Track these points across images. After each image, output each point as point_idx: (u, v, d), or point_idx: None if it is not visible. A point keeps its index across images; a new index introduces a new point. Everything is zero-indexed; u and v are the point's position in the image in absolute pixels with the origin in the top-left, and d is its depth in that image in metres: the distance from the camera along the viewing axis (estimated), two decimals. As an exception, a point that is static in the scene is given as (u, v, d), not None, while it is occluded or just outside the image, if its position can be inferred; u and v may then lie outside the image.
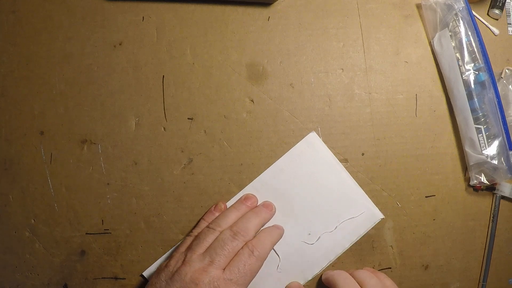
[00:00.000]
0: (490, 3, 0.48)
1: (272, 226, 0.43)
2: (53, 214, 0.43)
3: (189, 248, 0.39)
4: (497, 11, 0.48)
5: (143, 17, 0.46)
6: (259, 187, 0.44)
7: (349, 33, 0.47)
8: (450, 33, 0.45)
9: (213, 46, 0.46)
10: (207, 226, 0.40)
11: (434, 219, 0.45)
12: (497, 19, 0.48)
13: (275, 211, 0.43)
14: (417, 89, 0.46)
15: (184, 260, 0.37)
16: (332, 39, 0.47)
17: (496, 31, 0.48)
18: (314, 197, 0.44)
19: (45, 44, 0.45)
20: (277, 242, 0.42)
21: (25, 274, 0.43)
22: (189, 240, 0.41)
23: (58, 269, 0.43)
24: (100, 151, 0.44)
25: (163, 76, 0.45)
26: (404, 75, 0.47)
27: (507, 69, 0.46)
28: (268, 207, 0.43)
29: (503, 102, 0.44)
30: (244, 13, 0.46)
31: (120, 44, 0.45)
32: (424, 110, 0.46)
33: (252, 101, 0.45)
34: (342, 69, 0.46)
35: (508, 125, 0.44)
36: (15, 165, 0.44)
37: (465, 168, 0.46)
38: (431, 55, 0.47)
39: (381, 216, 0.44)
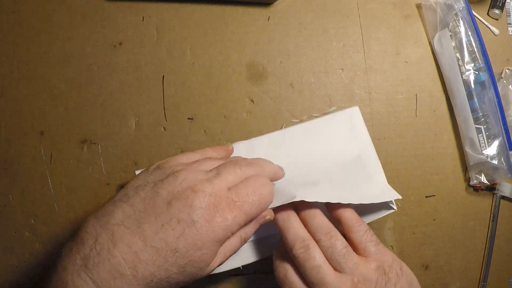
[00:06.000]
0: (490, 3, 0.48)
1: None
2: (53, 214, 0.43)
3: (193, 163, 0.32)
4: (497, 11, 0.48)
5: (143, 17, 0.46)
6: (276, 142, 0.40)
7: (349, 33, 0.47)
8: (450, 33, 0.45)
9: (213, 46, 0.46)
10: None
11: (434, 219, 0.45)
12: (497, 19, 0.48)
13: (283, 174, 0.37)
14: (417, 89, 0.46)
15: (185, 166, 0.31)
16: (332, 39, 0.47)
17: (496, 31, 0.48)
18: (336, 171, 0.39)
19: (45, 44, 0.45)
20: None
21: (25, 274, 0.43)
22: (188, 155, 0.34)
23: (58, 269, 0.43)
24: (100, 151, 0.44)
25: (163, 76, 0.45)
26: (404, 75, 0.47)
27: (507, 69, 0.46)
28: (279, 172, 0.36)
29: (503, 102, 0.44)
30: (244, 13, 0.46)
31: (120, 44, 0.45)
32: (424, 110, 0.46)
33: (252, 101, 0.45)
34: (342, 69, 0.46)
35: (508, 125, 0.44)
36: (15, 165, 0.44)
37: (465, 168, 0.46)
38: (431, 55, 0.47)
39: (394, 207, 0.40)
